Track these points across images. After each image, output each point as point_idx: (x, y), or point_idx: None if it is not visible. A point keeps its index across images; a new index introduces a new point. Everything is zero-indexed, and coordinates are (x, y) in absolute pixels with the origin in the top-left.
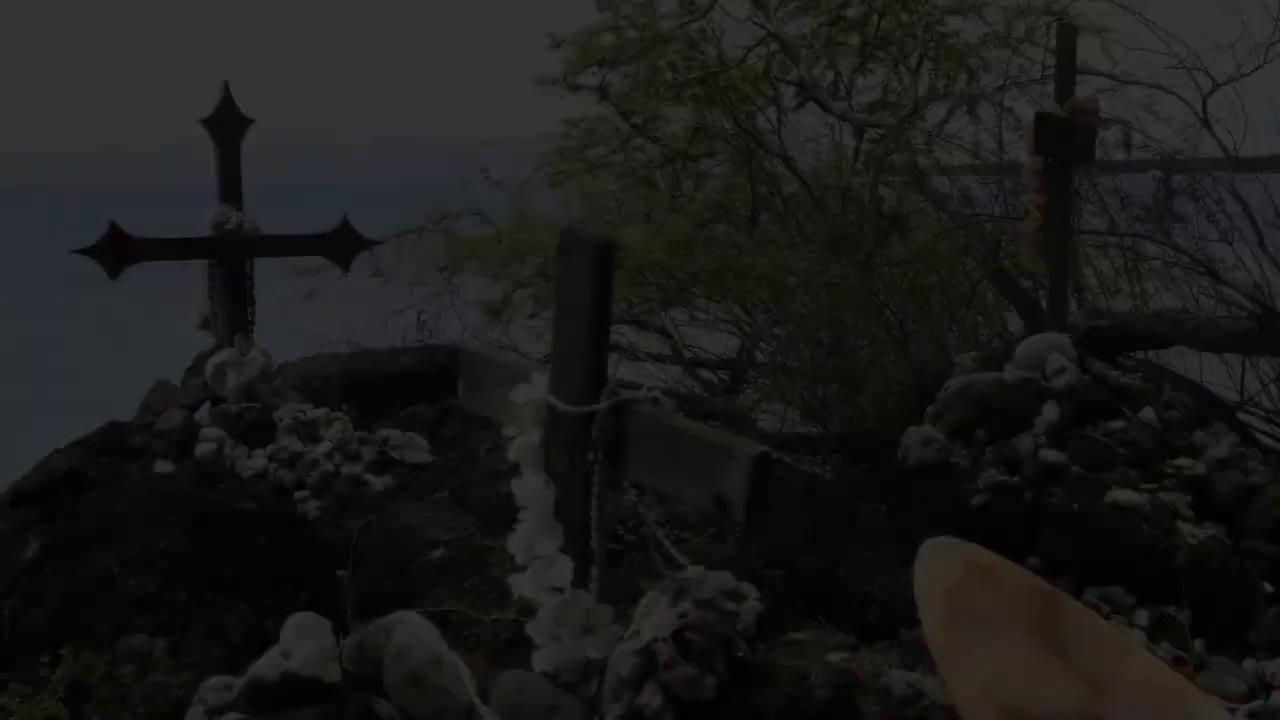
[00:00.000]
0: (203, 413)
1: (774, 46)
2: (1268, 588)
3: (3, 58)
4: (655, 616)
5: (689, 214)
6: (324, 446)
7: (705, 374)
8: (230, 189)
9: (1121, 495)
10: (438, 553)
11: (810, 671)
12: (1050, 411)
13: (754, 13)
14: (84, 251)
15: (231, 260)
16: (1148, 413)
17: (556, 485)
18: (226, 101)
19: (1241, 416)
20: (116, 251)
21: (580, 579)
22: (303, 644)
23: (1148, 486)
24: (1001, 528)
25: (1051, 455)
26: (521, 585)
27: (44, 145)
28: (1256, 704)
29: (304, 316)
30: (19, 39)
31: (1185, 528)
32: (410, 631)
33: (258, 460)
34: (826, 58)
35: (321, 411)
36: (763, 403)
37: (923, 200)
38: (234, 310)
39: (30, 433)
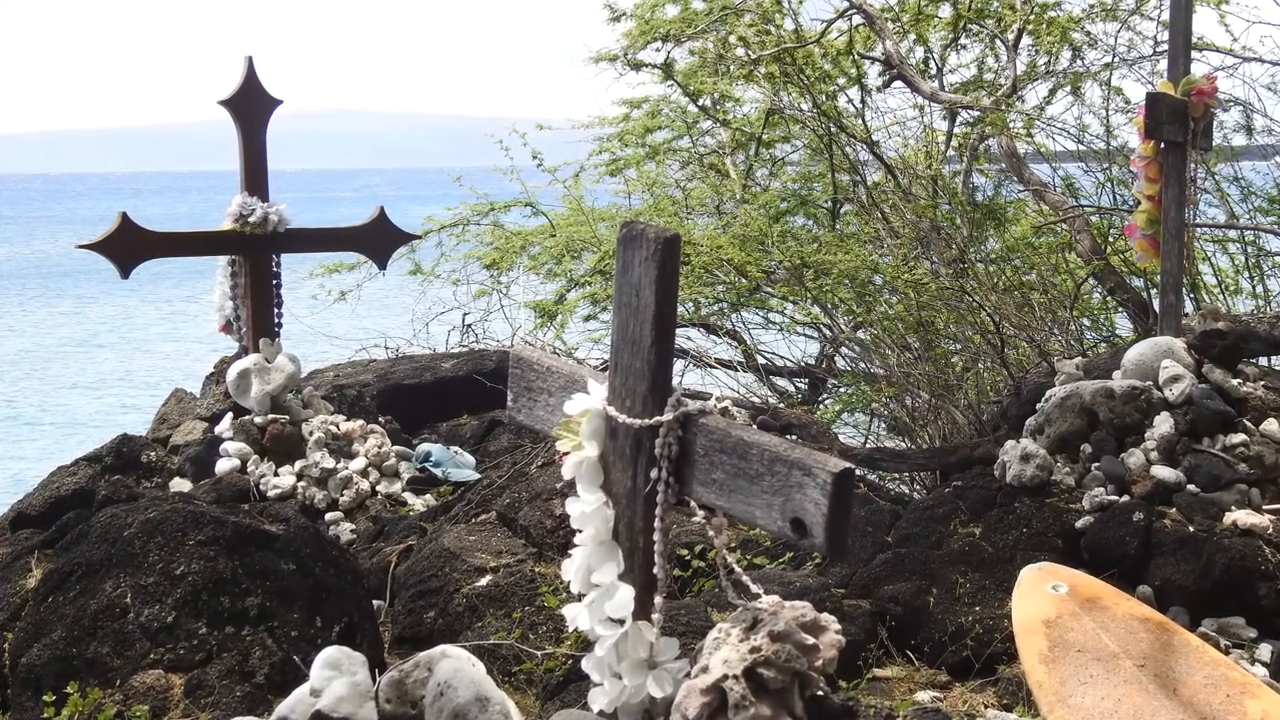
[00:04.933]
0: (224, 425)
1: (857, 19)
2: None
3: None
4: (726, 651)
5: (763, 205)
6: (358, 462)
7: (780, 382)
8: (254, 177)
9: (1242, 517)
10: (485, 580)
11: (898, 711)
12: (1163, 424)
13: None
14: (91, 247)
15: (256, 257)
16: (1271, 425)
17: (616, 505)
18: (250, 80)
19: None
20: (127, 247)
21: (642, 609)
22: (335, 681)
23: (1271, 507)
24: (1109, 552)
25: (1164, 472)
26: (577, 616)
27: (40, 128)
28: None
29: (336, 318)
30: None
31: None
32: (454, 667)
33: (285, 478)
34: (915, 32)
35: (356, 424)
36: (844, 414)
37: (1022, 190)
38: (259, 312)
39: (34, 446)
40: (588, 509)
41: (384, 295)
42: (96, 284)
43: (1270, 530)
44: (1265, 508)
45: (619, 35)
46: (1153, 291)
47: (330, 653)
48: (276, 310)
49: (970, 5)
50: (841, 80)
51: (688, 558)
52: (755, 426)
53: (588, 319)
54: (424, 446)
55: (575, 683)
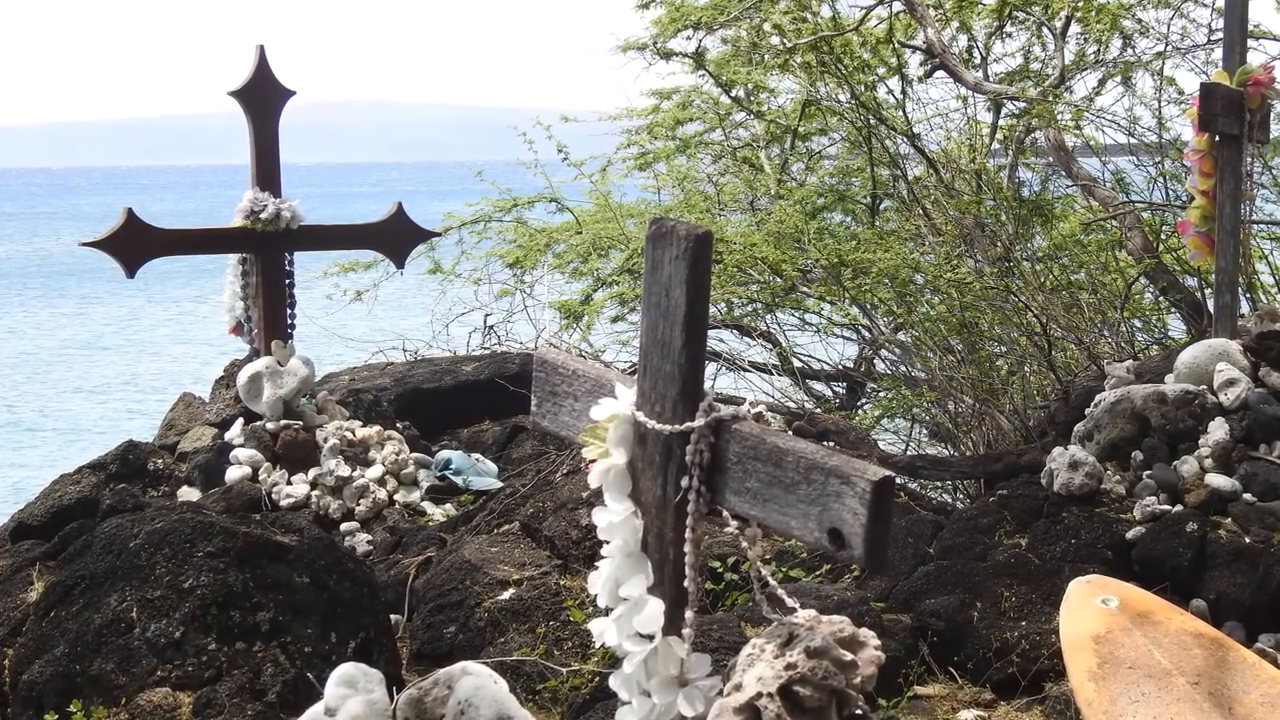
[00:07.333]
0: (234, 431)
1: (897, 6)
2: None
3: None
4: (760, 668)
5: (798, 201)
6: (375, 470)
7: (817, 386)
8: (266, 172)
9: None
10: (507, 593)
11: None
12: (1218, 430)
13: None
14: (95, 244)
15: (268, 255)
16: None
17: (645, 515)
18: (262, 70)
19: None
20: (133, 244)
21: (672, 624)
22: (350, 700)
23: None
24: (1161, 564)
25: (1219, 481)
26: (604, 631)
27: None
28: None
29: (352, 320)
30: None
31: None
32: (475, 685)
33: (298, 486)
34: (958, 19)
35: (372, 430)
36: (884, 419)
37: (1070, 185)
38: (271, 313)
39: (35, 453)
40: (615, 519)
41: (402, 295)
42: (101, 283)
43: None
44: None
45: (648, 23)
46: (1207, 291)
47: (346, 669)
48: (289, 311)
49: None
50: (881, 70)
51: (720, 570)
52: (791, 433)
53: (615, 320)
54: (444, 453)
55: (602, 701)
